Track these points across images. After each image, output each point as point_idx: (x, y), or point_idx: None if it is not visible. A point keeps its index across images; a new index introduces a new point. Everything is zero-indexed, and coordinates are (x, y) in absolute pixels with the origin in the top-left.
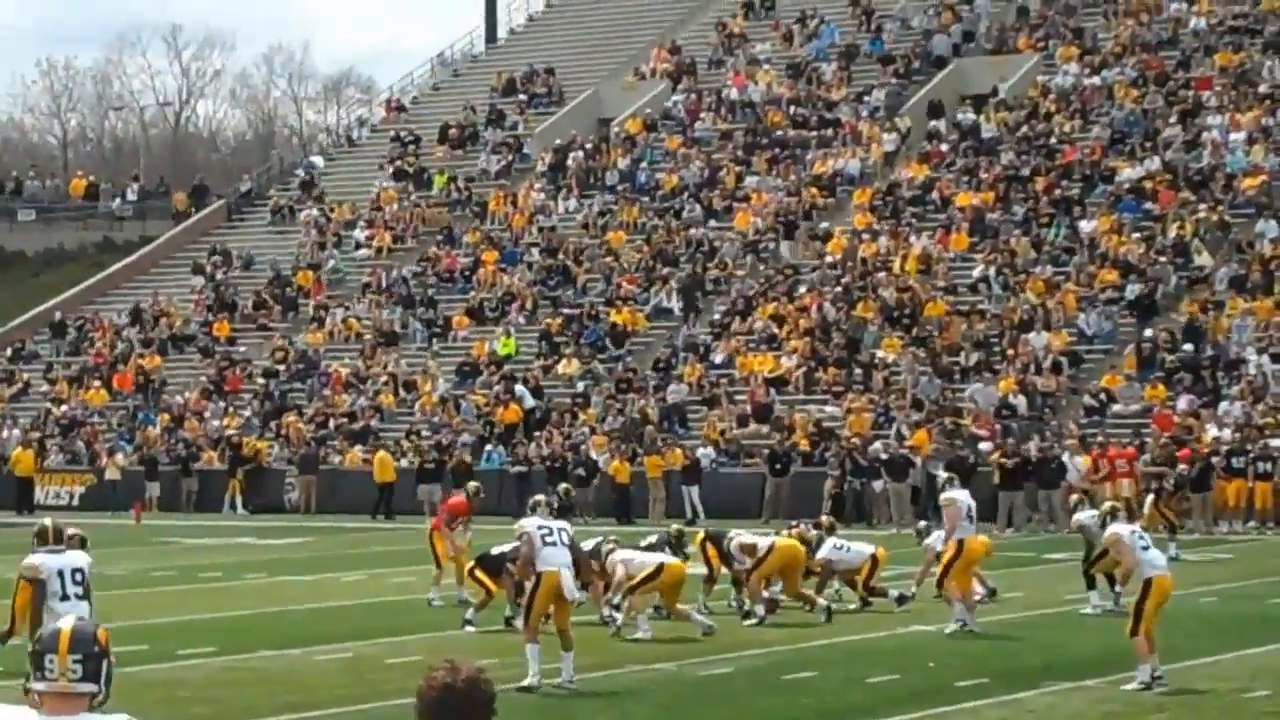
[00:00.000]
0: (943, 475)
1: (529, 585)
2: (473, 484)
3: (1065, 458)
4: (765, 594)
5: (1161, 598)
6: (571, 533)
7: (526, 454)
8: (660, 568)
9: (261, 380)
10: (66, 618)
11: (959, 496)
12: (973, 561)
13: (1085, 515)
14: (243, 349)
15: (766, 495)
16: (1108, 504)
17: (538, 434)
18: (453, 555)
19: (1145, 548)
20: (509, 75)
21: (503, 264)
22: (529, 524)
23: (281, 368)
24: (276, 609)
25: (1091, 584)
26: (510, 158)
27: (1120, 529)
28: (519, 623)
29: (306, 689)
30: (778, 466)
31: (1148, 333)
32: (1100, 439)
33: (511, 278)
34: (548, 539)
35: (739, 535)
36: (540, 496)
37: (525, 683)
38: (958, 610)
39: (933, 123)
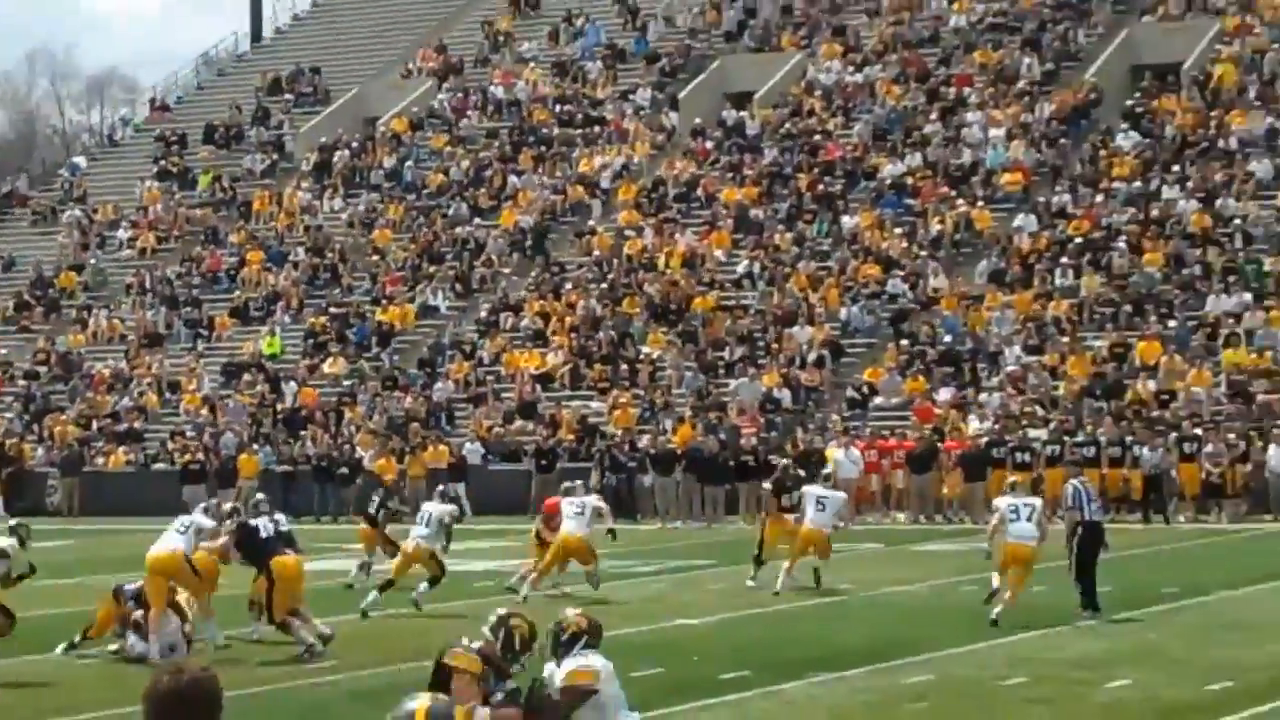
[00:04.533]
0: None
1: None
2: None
3: (839, 452)
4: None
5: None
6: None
7: (292, 454)
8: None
9: (23, 382)
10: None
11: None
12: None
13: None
14: (3, 350)
15: (533, 492)
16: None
17: (303, 433)
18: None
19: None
20: (274, 74)
21: (268, 264)
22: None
23: (43, 369)
24: (39, 612)
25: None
26: (275, 157)
27: None
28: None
29: (70, 692)
30: (543, 463)
31: (905, 327)
32: (867, 431)
33: (277, 277)
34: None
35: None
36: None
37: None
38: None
39: (697, 120)
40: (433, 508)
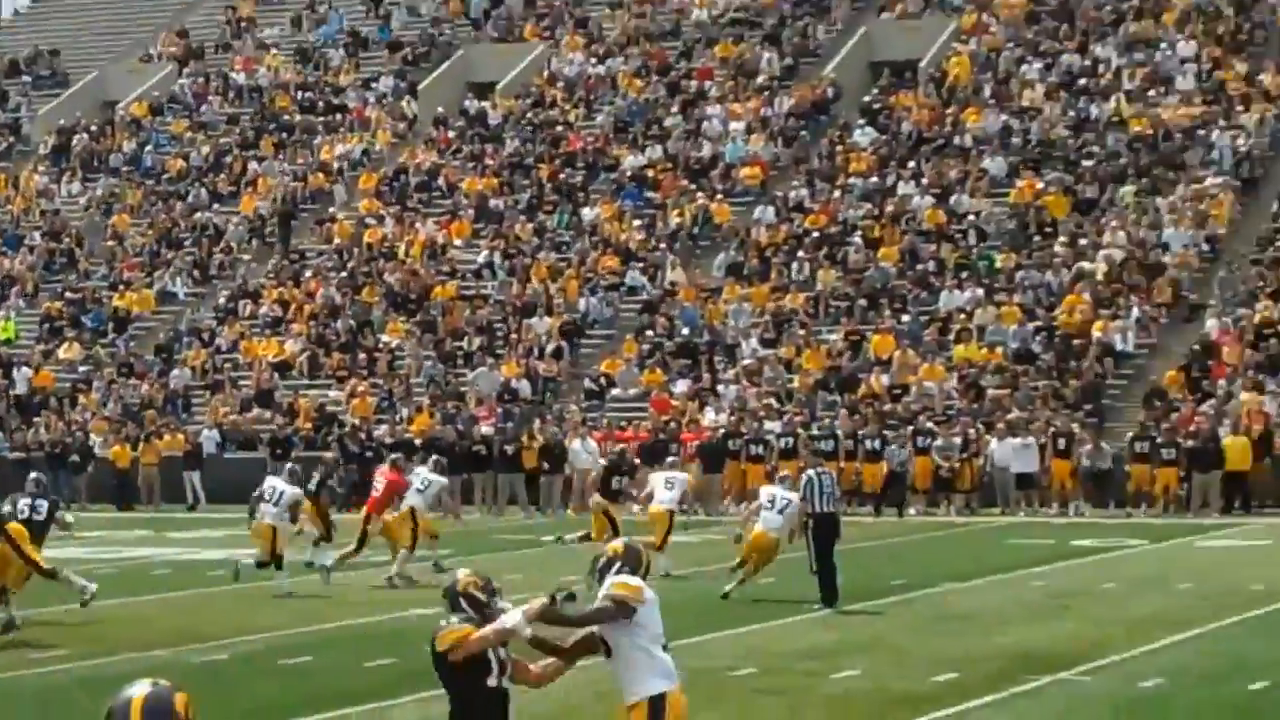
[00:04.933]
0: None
1: None
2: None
3: (575, 442)
4: None
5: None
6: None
7: (25, 440)
8: None
9: None
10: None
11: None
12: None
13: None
14: None
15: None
16: None
17: (37, 419)
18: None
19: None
20: (12, 56)
21: (3, 248)
22: None
23: None
24: None
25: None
26: (11, 139)
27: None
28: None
29: None
30: (279, 451)
31: (643, 319)
32: (605, 422)
33: (12, 261)
34: None
35: None
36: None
37: None
38: None
39: (439, 109)
40: (282, 485)
